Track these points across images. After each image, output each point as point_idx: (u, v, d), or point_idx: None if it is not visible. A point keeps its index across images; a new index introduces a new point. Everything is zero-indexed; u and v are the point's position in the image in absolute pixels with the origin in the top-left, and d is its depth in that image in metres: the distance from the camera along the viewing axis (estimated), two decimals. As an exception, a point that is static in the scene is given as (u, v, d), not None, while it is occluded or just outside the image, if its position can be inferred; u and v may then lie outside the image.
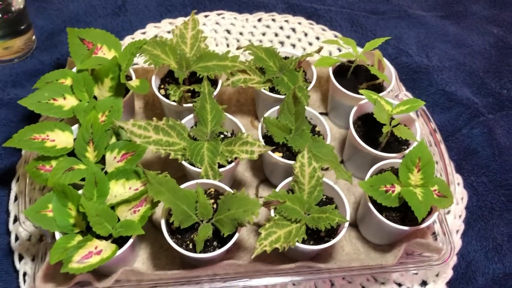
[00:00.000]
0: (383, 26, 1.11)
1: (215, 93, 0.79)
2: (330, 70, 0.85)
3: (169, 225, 0.66)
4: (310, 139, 0.74)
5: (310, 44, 1.04)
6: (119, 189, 0.66)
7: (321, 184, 0.69)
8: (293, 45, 1.04)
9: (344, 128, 0.91)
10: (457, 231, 0.82)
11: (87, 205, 0.61)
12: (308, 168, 0.70)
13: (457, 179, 0.88)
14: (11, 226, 0.77)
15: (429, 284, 0.77)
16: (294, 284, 0.74)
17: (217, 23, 1.06)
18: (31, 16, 0.99)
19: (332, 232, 0.69)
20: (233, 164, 0.72)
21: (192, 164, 0.71)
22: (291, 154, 0.76)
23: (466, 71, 1.05)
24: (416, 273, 0.78)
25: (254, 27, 1.06)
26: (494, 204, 0.86)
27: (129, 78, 0.82)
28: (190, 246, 0.65)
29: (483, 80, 1.03)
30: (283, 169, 0.75)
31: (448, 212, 0.84)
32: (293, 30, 1.07)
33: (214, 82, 0.82)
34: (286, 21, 1.08)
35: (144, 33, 1.03)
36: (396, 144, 0.79)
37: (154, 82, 0.82)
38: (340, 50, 1.03)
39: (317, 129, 0.80)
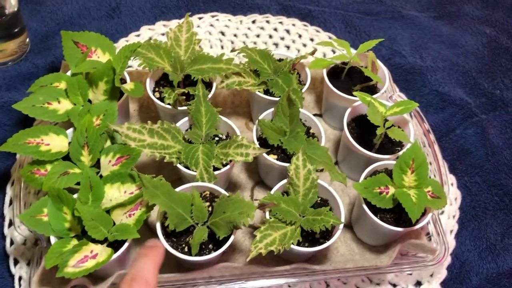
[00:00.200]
0: (376, 27, 1.11)
1: (209, 95, 0.79)
2: (324, 72, 0.86)
3: (164, 228, 0.66)
4: (304, 141, 0.75)
5: (305, 45, 1.05)
6: (114, 193, 0.66)
7: (315, 186, 0.70)
8: (288, 47, 1.05)
9: (338, 129, 0.91)
10: (451, 231, 0.83)
11: (82, 209, 0.61)
12: (302, 170, 0.70)
13: (450, 179, 0.88)
14: (6, 230, 0.77)
15: (424, 285, 0.77)
16: (289, 286, 0.75)
17: (211, 25, 1.06)
18: (24, 18, 0.99)
19: (327, 233, 0.69)
20: (228, 166, 0.72)
21: (187, 167, 0.71)
22: (286, 156, 0.76)
23: (459, 71, 1.05)
24: (411, 274, 0.78)
25: (249, 28, 1.06)
26: (487, 204, 0.87)
27: (123, 81, 0.82)
28: (186, 249, 0.65)
29: (476, 80, 1.04)
30: (278, 171, 0.76)
31: (442, 213, 0.84)
32: (287, 31, 1.07)
33: (208, 85, 0.82)
34: (280, 22, 1.08)
35: (138, 35, 1.03)
36: (390, 146, 0.80)
37: (149, 85, 0.82)
38: (334, 52, 1.03)
39: (311, 131, 0.81)
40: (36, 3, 1.08)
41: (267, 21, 1.08)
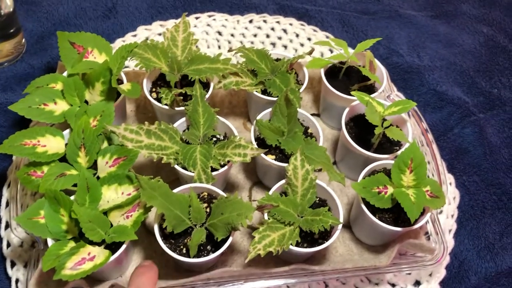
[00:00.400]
0: (374, 26, 1.11)
1: (207, 96, 0.78)
2: (322, 71, 0.85)
3: (162, 229, 0.65)
4: (302, 141, 0.75)
5: (302, 45, 1.04)
6: (111, 194, 0.65)
7: (314, 186, 0.69)
8: (285, 46, 1.04)
9: (336, 129, 0.91)
10: (450, 231, 0.83)
11: (79, 211, 0.60)
12: (301, 171, 0.70)
13: (449, 178, 0.88)
14: (2, 232, 0.77)
15: (423, 284, 0.77)
16: (288, 287, 0.74)
17: (208, 24, 1.06)
18: (20, 19, 0.98)
19: (326, 234, 0.69)
20: (226, 167, 0.71)
21: (184, 168, 0.70)
22: (284, 156, 0.76)
23: (457, 70, 1.05)
24: (410, 273, 0.78)
25: (246, 28, 1.06)
26: (485, 203, 0.87)
27: (120, 81, 0.82)
28: (184, 251, 0.65)
29: (474, 79, 1.04)
30: (276, 171, 0.75)
31: (441, 212, 0.84)
32: (285, 31, 1.06)
33: (206, 85, 0.82)
34: (278, 22, 1.08)
35: (135, 35, 1.03)
36: (389, 145, 0.80)
37: (146, 85, 0.81)
38: (331, 51, 1.03)
39: (309, 131, 0.80)
40: (31, 3, 1.07)
41: (264, 21, 1.08)
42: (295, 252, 0.67)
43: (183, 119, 0.77)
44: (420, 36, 1.10)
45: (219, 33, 1.05)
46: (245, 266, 0.69)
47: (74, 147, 0.68)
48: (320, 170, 0.83)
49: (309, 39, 1.05)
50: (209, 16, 1.07)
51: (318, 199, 0.73)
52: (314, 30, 1.07)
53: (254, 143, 0.75)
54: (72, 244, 0.63)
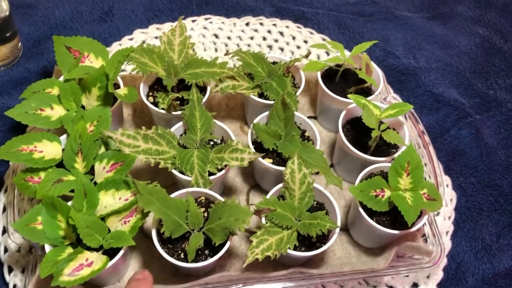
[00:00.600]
0: (370, 28, 1.11)
1: (204, 100, 0.78)
2: (319, 74, 0.85)
3: (160, 235, 0.65)
4: (299, 145, 0.75)
5: (298, 47, 1.04)
6: (109, 200, 0.65)
7: (311, 190, 0.70)
8: (282, 49, 1.04)
9: (333, 131, 0.91)
10: (447, 233, 0.83)
11: (77, 217, 0.60)
12: (298, 174, 0.70)
13: (446, 180, 0.89)
14: (0, 237, 0.76)
15: (420, 286, 0.78)
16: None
17: (204, 27, 1.06)
18: (16, 23, 0.98)
19: (323, 237, 0.69)
20: (223, 171, 0.71)
21: (182, 173, 0.70)
22: (281, 160, 0.76)
23: (453, 72, 1.06)
24: (407, 276, 0.78)
25: (242, 31, 1.06)
26: (482, 204, 0.87)
27: (117, 86, 0.82)
28: (182, 256, 0.65)
29: (470, 80, 1.04)
30: (274, 175, 0.76)
31: (438, 214, 0.84)
32: (281, 33, 1.07)
33: (202, 89, 0.82)
34: (274, 24, 1.08)
35: (131, 39, 1.03)
36: (385, 148, 0.80)
37: (143, 89, 0.81)
38: (328, 54, 1.03)
39: (306, 134, 0.81)
40: (27, 7, 1.07)
41: (261, 24, 1.08)
42: (293, 256, 0.67)
43: (180, 123, 0.77)
44: (416, 38, 1.11)
45: (216, 36, 1.05)
46: (243, 270, 0.69)
47: (71, 152, 0.68)
48: (317, 173, 0.83)
49: (305, 41, 1.05)
50: (206, 19, 1.07)
51: (315, 202, 0.73)
52: (311, 33, 1.07)
53: (252, 146, 0.75)
54: (69, 250, 0.62)
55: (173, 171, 0.70)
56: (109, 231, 0.64)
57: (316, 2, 1.15)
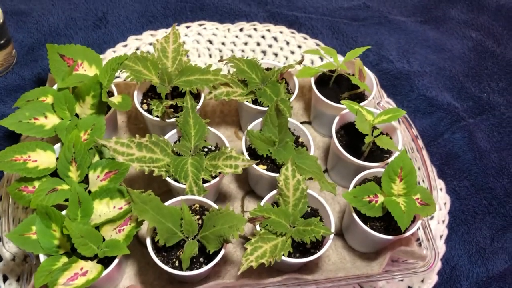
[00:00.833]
0: (364, 32, 1.12)
1: (198, 107, 0.79)
2: (312, 80, 0.86)
3: (154, 243, 0.65)
4: (293, 151, 0.75)
5: (292, 52, 1.05)
6: (103, 209, 0.66)
7: (305, 196, 0.70)
8: (276, 54, 1.05)
9: (327, 136, 0.92)
10: (441, 236, 0.84)
11: (71, 226, 0.60)
12: (292, 181, 0.70)
13: (439, 184, 0.89)
14: (-5, 247, 0.76)
15: (415, 290, 0.78)
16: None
17: (199, 33, 1.06)
18: (10, 30, 0.98)
19: (318, 243, 0.69)
20: (217, 179, 0.72)
21: (176, 180, 0.71)
22: (275, 166, 0.76)
23: (446, 75, 1.06)
24: (402, 280, 0.79)
25: (236, 36, 1.07)
26: (476, 208, 0.87)
27: (110, 93, 0.82)
28: (176, 264, 0.65)
29: (463, 84, 1.05)
30: (268, 181, 0.76)
31: (432, 218, 0.85)
32: (275, 39, 1.07)
33: (196, 96, 0.82)
34: (268, 30, 1.08)
35: (125, 45, 1.03)
36: (379, 153, 0.80)
37: (137, 97, 0.81)
38: (322, 59, 1.04)
39: (300, 140, 0.81)
40: (21, 14, 1.07)
41: (255, 29, 1.08)
42: (287, 263, 0.67)
43: (174, 130, 0.77)
44: (410, 42, 1.11)
45: (210, 42, 1.06)
46: (238, 277, 0.69)
47: (65, 161, 0.68)
48: (311, 179, 0.83)
49: (299, 46, 1.06)
50: (200, 25, 1.07)
51: (309, 208, 0.73)
52: (304, 38, 1.07)
53: (246, 153, 0.76)
54: (64, 259, 0.63)
55: (167, 178, 0.71)
56: (104, 240, 0.64)
57: (309, 7, 1.16)
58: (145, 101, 0.83)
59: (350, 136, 0.82)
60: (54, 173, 0.69)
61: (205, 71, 0.79)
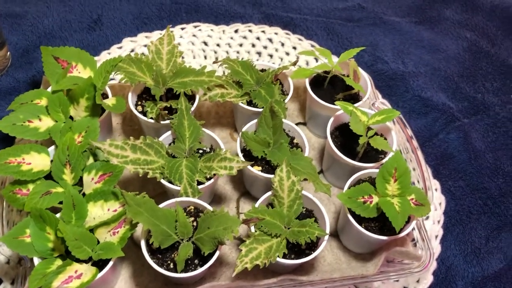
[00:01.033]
0: (358, 33, 1.12)
1: (192, 108, 0.79)
2: (307, 81, 0.86)
3: (149, 245, 0.65)
4: (288, 152, 0.75)
5: (287, 54, 1.05)
6: (97, 211, 0.65)
7: (300, 197, 0.70)
8: (271, 55, 1.05)
9: (322, 137, 0.92)
10: (436, 236, 0.84)
11: (65, 229, 0.60)
12: (287, 182, 0.70)
13: (434, 184, 0.89)
14: (-11, 250, 0.76)
15: (410, 291, 0.78)
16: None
17: (194, 35, 1.06)
18: (5, 32, 0.98)
19: (313, 244, 0.70)
20: (212, 180, 0.72)
21: (171, 182, 0.71)
22: (270, 167, 0.76)
23: (441, 76, 1.06)
24: (397, 280, 0.79)
25: (231, 38, 1.07)
26: (471, 208, 0.88)
27: (105, 95, 0.82)
28: (171, 266, 0.65)
29: (458, 84, 1.05)
30: (263, 182, 0.76)
31: (427, 218, 0.85)
32: (270, 40, 1.07)
33: (191, 97, 0.82)
34: (263, 31, 1.08)
35: (120, 47, 1.03)
36: (374, 153, 0.80)
37: (131, 98, 0.81)
38: (317, 60, 1.04)
39: (295, 141, 0.81)
40: (16, 16, 1.07)
41: (250, 30, 1.08)
42: (282, 264, 0.67)
43: (169, 132, 0.77)
44: (405, 42, 1.12)
45: (205, 44, 1.06)
46: (233, 279, 0.69)
47: (59, 164, 0.68)
48: (306, 180, 0.83)
49: (294, 48, 1.06)
50: (195, 27, 1.07)
51: (304, 209, 0.73)
52: (299, 39, 1.07)
53: (241, 154, 0.76)
54: (59, 262, 0.62)
55: (162, 180, 0.71)
56: (98, 242, 0.64)
57: (304, 8, 1.16)
58: (139, 103, 0.83)
59: (345, 137, 0.82)
60: (49, 176, 0.69)
61: (200, 72, 0.79)
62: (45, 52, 0.79)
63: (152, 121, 0.77)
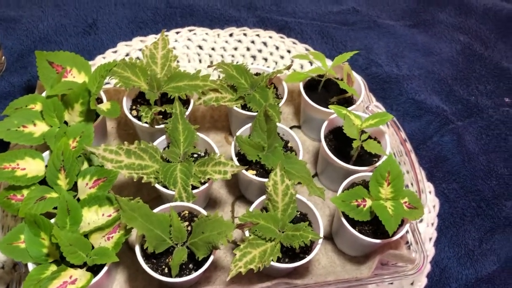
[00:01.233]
0: (353, 37, 1.12)
1: (187, 113, 0.79)
2: (301, 85, 0.86)
3: (143, 250, 0.65)
4: (282, 156, 0.75)
5: (282, 57, 1.05)
6: (92, 216, 0.66)
7: (294, 201, 0.70)
8: (265, 59, 1.05)
9: (317, 140, 0.92)
10: (430, 239, 0.84)
11: (60, 235, 0.60)
12: (281, 186, 0.70)
13: (428, 187, 0.90)
14: (-16, 255, 0.76)
15: (405, 293, 0.79)
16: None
17: (189, 39, 1.07)
18: (0, 37, 0.98)
19: (307, 248, 0.70)
20: (206, 185, 0.72)
21: (165, 187, 0.71)
22: (264, 171, 0.76)
23: (435, 79, 1.07)
24: (392, 283, 0.79)
25: (226, 42, 1.07)
26: (465, 210, 0.88)
27: (100, 100, 0.82)
28: (166, 270, 0.65)
29: (452, 87, 1.06)
30: (258, 186, 0.76)
31: (421, 221, 0.86)
32: (265, 44, 1.08)
33: (186, 101, 0.83)
34: (257, 35, 1.09)
35: (115, 52, 1.03)
36: (368, 157, 0.81)
37: (126, 103, 0.81)
38: (311, 63, 1.04)
39: (289, 144, 0.81)
40: (11, 21, 1.07)
41: (244, 34, 1.09)
42: (276, 268, 0.67)
43: (163, 137, 0.77)
44: (399, 46, 1.12)
45: (200, 47, 1.06)
46: (228, 283, 0.70)
47: (54, 169, 0.68)
48: (300, 183, 0.84)
49: (289, 51, 1.06)
50: (190, 31, 1.08)
51: (299, 213, 0.74)
52: (294, 43, 1.08)
53: (235, 158, 0.76)
54: (53, 267, 0.63)
55: (156, 185, 0.71)
56: (93, 247, 0.64)
57: (299, 12, 1.16)
58: (134, 107, 0.83)
59: (339, 140, 0.82)
60: (43, 181, 0.69)
61: (194, 77, 0.79)
62: (40, 57, 0.79)
63: (146, 125, 0.78)
